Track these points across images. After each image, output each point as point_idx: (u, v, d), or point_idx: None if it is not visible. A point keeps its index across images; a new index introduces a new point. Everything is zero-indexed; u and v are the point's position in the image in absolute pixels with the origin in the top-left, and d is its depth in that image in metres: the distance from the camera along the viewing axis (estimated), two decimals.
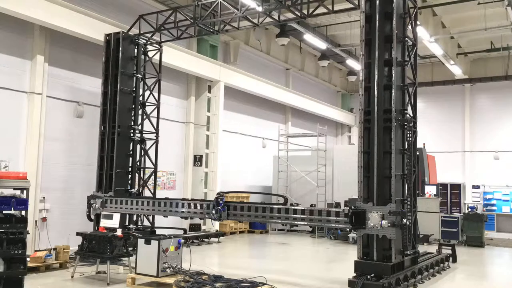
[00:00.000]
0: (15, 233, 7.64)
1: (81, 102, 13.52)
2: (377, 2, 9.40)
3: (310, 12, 11.90)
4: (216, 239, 15.86)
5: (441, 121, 24.99)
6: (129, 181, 13.23)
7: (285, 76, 23.63)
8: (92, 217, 12.37)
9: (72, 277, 9.60)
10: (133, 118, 13.44)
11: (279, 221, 9.71)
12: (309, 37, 19.04)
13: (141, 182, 13.63)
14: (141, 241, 8.88)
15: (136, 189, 13.35)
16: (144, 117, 13.83)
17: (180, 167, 17.20)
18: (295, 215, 9.42)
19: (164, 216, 11.68)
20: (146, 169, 13.86)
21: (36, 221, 11.98)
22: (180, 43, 14.97)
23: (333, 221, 9.09)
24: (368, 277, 8.34)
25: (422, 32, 16.87)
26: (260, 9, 12.26)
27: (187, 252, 9.62)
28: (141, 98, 13.81)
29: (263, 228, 19.47)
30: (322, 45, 20.26)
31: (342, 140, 28.86)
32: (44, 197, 12.35)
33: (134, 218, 13.26)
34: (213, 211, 10.12)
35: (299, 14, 12.08)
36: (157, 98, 14.20)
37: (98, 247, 9.66)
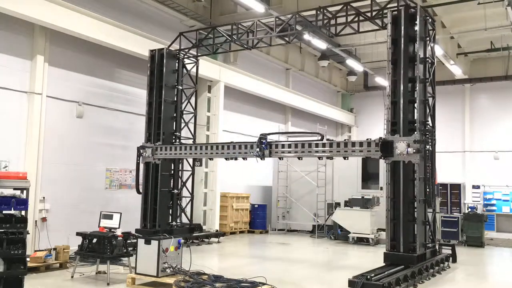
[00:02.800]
0: (15, 233, 7.61)
1: (81, 102, 13.53)
2: (402, 27, 10.61)
3: (337, 32, 12.74)
4: (216, 239, 15.86)
5: (441, 121, 24.54)
6: (172, 183, 14.44)
7: (285, 76, 23.62)
8: (142, 166, 13.76)
9: (72, 277, 9.60)
10: (174, 125, 14.58)
11: (318, 154, 11.24)
12: (309, 37, 19.00)
13: (181, 183, 14.75)
14: (141, 241, 8.88)
15: (176, 190, 14.53)
16: (183, 124, 14.88)
17: None
18: (331, 148, 10.92)
19: (210, 159, 14.35)
20: (184, 172, 14.91)
21: (36, 221, 11.98)
22: None
23: (365, 150, 10.57)
24: (368, 277, 8.36)
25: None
26: (292, 28, 13.02)
27: (187, 252, 9.62)
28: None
29: (263, 228, 19.49)
30: (322, 45, 20.21)
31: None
32: (44, 197, 12.36)
33: (178, 213, 14.57)
34: (257, 149, 11.08)
35: (327, 34, 12.58)
36: (194, 107, 15.28)
37: (98, 247, 9.66)
